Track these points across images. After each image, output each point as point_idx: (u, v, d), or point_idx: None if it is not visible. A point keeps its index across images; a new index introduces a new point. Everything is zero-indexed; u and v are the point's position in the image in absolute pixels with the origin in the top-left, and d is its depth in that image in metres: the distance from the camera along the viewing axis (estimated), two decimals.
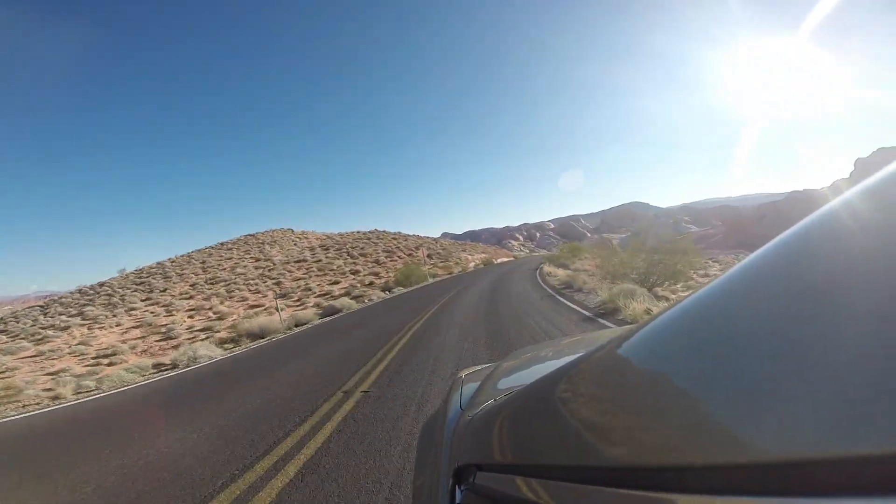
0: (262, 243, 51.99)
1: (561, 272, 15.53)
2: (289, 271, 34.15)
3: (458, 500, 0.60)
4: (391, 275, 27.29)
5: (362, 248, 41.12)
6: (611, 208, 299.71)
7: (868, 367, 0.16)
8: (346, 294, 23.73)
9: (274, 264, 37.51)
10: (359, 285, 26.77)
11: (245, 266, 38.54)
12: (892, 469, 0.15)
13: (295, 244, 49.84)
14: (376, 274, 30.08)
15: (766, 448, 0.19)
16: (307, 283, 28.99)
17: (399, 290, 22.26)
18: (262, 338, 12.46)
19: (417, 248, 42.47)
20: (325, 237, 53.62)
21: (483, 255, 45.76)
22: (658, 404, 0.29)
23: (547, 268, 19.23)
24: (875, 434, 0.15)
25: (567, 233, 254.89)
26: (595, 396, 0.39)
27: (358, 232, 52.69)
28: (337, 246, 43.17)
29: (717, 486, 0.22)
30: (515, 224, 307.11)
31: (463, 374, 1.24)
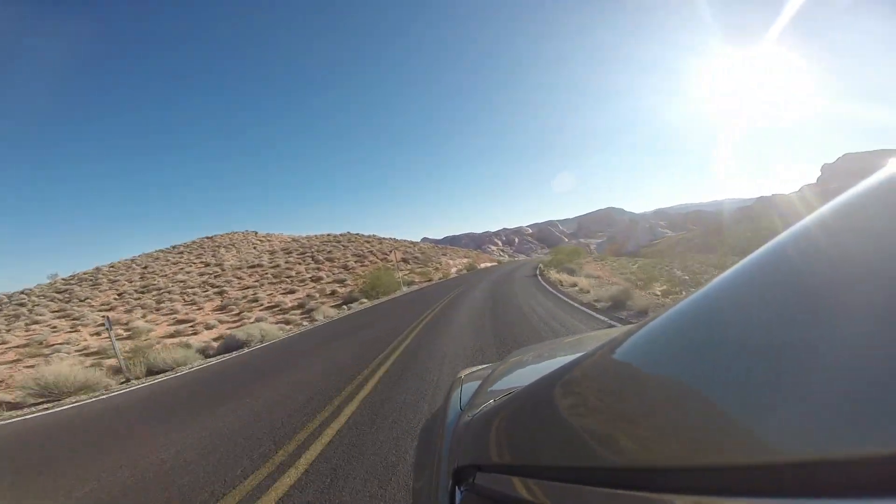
0: (219, 246, 46.14)
1: (582, 281, 11.35)
2: (238, 278, 28.94)
3: (457, 501, 0.59)
4: (360, 282, 22.69)
5: (329, 252, 36.21)
6: (587, 213, 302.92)
7: (867, 368, 0.16)
8: (300, 307, 19.01)
9: (223, 270, 32.09)
10: (318, 295, 22.06)
11: (188, 272, 32.91)
12: (891, 470, 0.15)
13: (255, 247, 44.28)
14: (341, 281, 25.44)
15: (763, 449, 0.19)
16: (256, 293, 23.99)
17: (361, 304, 17.69)
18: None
19: (392, 252, 37.93)
20: (290, 240, 48.21)
21: (465, 259, 41.66)
22: (655, 406, 0.29)
23: (555, 274, 14.79)
24: (875, 435, 0.15)
25: (545, 238, 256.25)
26: (593, 397, 0.39)
27: (328, 234, 47.51)
28: (301, 249, 38.05)
29: (713, 487, 0.22)
30: (495, 229, 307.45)
31: (462, 374, 1.23)
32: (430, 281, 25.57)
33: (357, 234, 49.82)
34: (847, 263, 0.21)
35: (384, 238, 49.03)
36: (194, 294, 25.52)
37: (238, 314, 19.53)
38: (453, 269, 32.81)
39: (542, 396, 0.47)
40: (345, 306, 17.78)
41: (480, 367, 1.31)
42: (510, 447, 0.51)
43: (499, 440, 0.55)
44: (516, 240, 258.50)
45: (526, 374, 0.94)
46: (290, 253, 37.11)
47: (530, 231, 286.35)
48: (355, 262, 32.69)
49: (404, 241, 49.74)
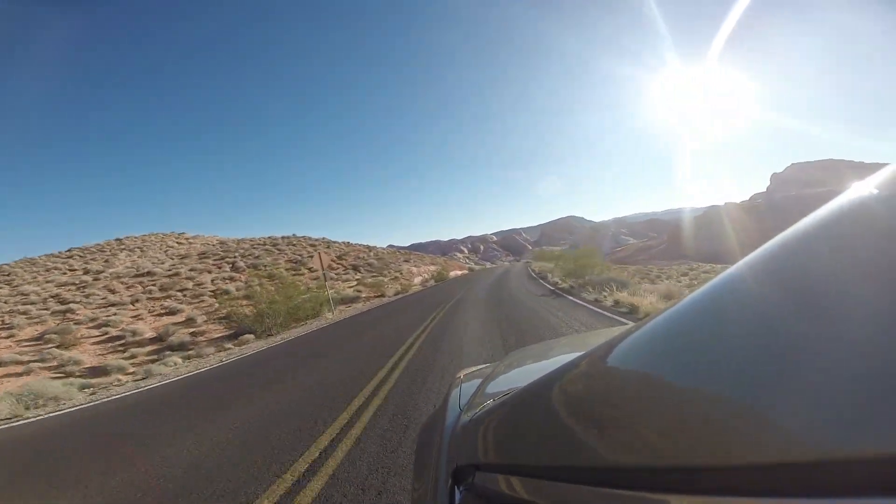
0: (124, 249, 36.14)
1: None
2: (112, 290, 20.18)
3: (456, 501, 0.59)
4: (263, 299, 15.06)
5: (257, 257, 27.94)
6: (549, 222, 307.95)
7: (866, 368, 0.16)
8: (158, 341, 11.23)
9: (97, 279, 23.03)
10: (203, 319, 14.24)
11: (43, 284, 23.45)
12: (889, 470, 0.14)
13: (167, 251, 34.79)
14: (249, 298, 17.60)
15: (759, 450, 0.19)
16: (117, 313, 15.69)
17: (243, 348, 10.18)
18: None
19: (341, 258, 30.18)
20: (217, 242, 38.90)
21: (432, 266, 34.48)
22: (654, 406, 0.28)
23: (601, 296, 7.89)
24: (874, 435, 0.15)
25: (509, 245, 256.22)
26: (591, 397, 0.39)
27: (267, 237, 38.74)
28: (222, 254, 29.35)
29: (709, 487, 0.22)
30: (461, 237, 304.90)
31: (462, 374, 1.23)
32: (381, 296, 18.33)
33: (303, 236, 41.42)
34: (846, 262, 0.20)
35: (334, 241, 41.02)
36: (24, 313, 16.67)
37: (57, 346, 11.31)
38: (417, 280, 25.58)
39: (541, 396, 0.47)
40: (229, 345, 10.22)
41: (480, 366, 1.30)
42: (509, 447, 0.51)
43: (497, 440, 0.55)
44: (482, 247, 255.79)
45: (525, 373, 0.93)
46: (207, 258, 28.42)
47: (495, 239, 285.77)
48: (288, 269, 24.81)
49: (358, 245, 41.87)
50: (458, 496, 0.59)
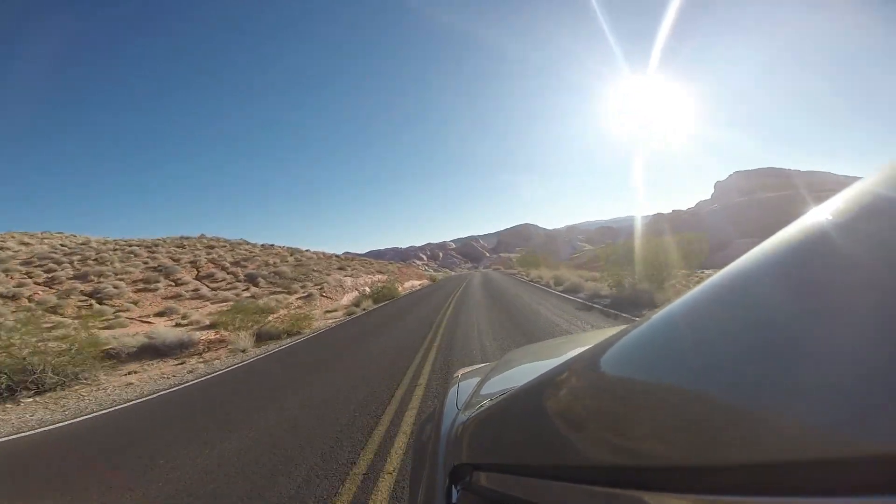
0: None
1: None
2: None
3: (454, 500, 0.59)
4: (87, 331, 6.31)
5: (103, 262, 18.41)
6: (506, 229, 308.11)
7: (863, 367, 0.16)
8: None
9: None
10: None
11: None
12: (887, 469, 0.14)
13: None
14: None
15: (756, 448, 0.19)
16: None
17: None
18: None
19: (238, 264, 21.28)
20: (76, 245, 27.97)
21: (379, 275, 26.28)
22: (651, 405, 0.28)
23: None
24: (872, 433, 0.14)
25: (468, 252, 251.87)
26: (587, 397, 0.39)
27: (158, 238, 28.54)
28: (59, 259, 19.36)
29: (705, 486, 0.22)
30: (420, 244, 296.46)
31: (459, 373, 1.22)
32: (221, 343, 9.30)
33: (214, 237, 31.56)
34: (845, 262, 0.20)
35: (253, 243, 31.64)
36: None
37: None
38: (346, 299, 17.41)
39: (538, 396, 0.47)
40: None
41: (477, 366, 1.28)
42: (506, 446, 0.50)
43: (494, 439, 0.55)
44: (441, 254, 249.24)
45: (522, 373, 0.90)
46: (30, 264, 18.39)
47: (454, 246, 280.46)
48: (148, 283, 15.78)
49: (281, 248, 32.66)
50: (455, 495, 0.59)
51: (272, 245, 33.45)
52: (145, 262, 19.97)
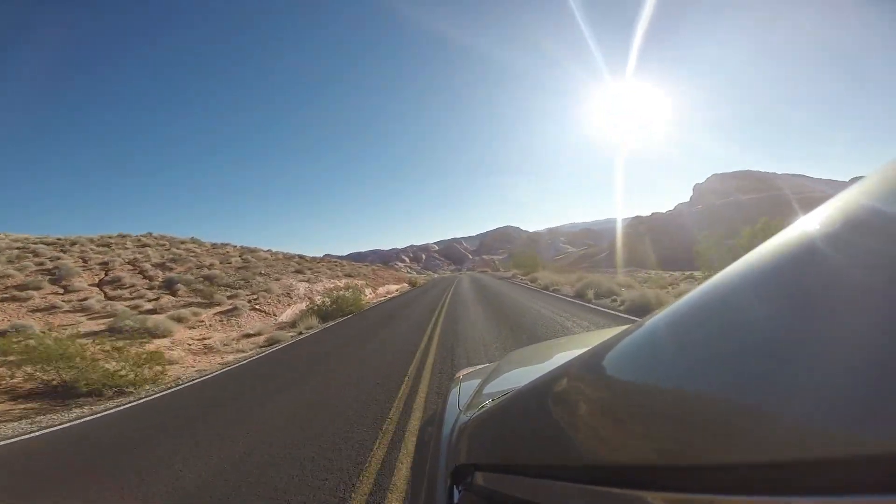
0: None
1: None
2: None
3: (455, 500, 0.59)
4: None
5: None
6: (488, 231, 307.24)
7: (864, 367, 0.16)
8: None
9: None
10: None
11: None
12: (888, 469, 0.14)
13: None
14: None
15: (756, 448, 0.19)
16: None
17: None
18: None
19: (177, 262, 17.02)
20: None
21: (348, 279, 22.27)
22: (651, 405, 0.28)
23: None
24: (874, 433, 0.14)
25: (451, 254, 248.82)
26: (589, 397, 0.39)
27: (79, 236, 23.72)
28: None
29: (705, 485, 0.22)
30: (402, 246, 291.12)
31: (461, 374, 1.22)
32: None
33: (160, 235, 26.88)
34: (843, 261, 0.20)
35: (206, 242, 27.17)
36: None
37: None
38: (288, 312, 13.13)
39: (539, 396, 0.47)
40: None
41: (479, 367, 1.28)
42: (507, 447, 0.51)
43: (496, 440, 0.55)
44: (423, 256, 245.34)
45: (523, 374, 0.92)
46: None
47: (437, 248, 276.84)
48: (19, 289, 11.56)
49: (233, 247, 28.18)
50: (456, 495, 0.58)
51: (225, 244, 29.02)
52: (40, 265, 15.52)
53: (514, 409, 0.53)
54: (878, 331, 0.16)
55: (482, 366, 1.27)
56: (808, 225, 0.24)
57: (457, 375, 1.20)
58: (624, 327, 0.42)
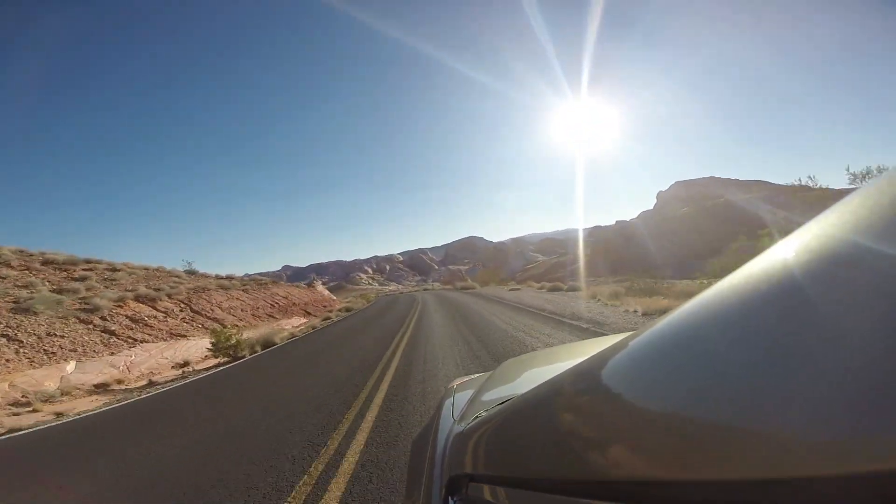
0: None
1: None
2: None
3: None
4: None
5: None
6: (453, 242, 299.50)
7: (861, 382, 0.15)
8: None
9: None
10: None
11: None
12: (886, 486, 0.14)
13: None
14: None
15: (756, 464, 0.18)
16: None
17: None
18: None
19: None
20: None
21: (213, 321, 12.09)
22: (648, 419, 0.27)
23: None
24: (873, 450, 0.14)
25: (416, 265, 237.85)
26: (584, 409, 0.37)
27: None
28: None
29: (709, 501, 0.21)
30: (365, 257, 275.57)
31: (455, 383, 1.20)
32: None
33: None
34: (842, 275, 0.19)
35: (49, 252, 15.58)
36: None
37: None
38: None
39: (534, 407, 0.45)
40: None
41: (473, 376, 1.26)
42: (502, 458, 0.49)
43: (490, 451, 0.54)
44: (387, 267, 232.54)
45: (518, 384, 0.89)
46: None
47: (401, 259, 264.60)
48: None
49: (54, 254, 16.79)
50: None
51: (43, 253, 17.19)
52: None
53: (509, 419, 0.51)
54: (876, 348, 0.15)
55: (476, 375, 1.24)
56: (802, 241, 0.23)
57: (451, 385, 1.18)
58: (620, 338, 0.40)
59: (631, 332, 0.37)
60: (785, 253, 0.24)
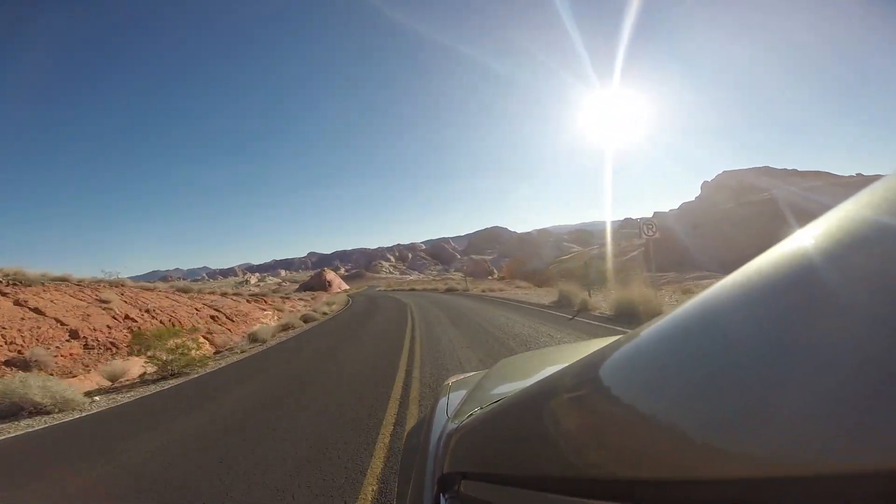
0: None
1: None
2: None
3: None
4: None
5: None
6: (477, 231, 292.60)
7: (863, 384, 0.15)
8: None
9: None
10: None
11: None
12: (884, 485, 0.14)
13: None
14: None
15: (753, 464, 0.18)
16: None
17: None
18: None
19: None
20: None
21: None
22: (642, 418, 0.27)
23: None
24: (871, 449, 0.14)
25: (438, 254, 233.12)
26: (580, 408, 0.37)
27: None
28: None
29: (700, 500, 0.21)
30: (388, 244, 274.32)
31: (450, 381, 1.19)
32: None
33: None
34: (844, 271, 0.19)
35: None
36: None
37: None
38: None
39: (529, 406, 0.45)
40: None
41: (468, 374, 1.26)
42: (495, 456, 0.49)
43: (484, 449, 0.54)
44: (409, 256, 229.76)
45: (514, 382, 0.89)
46: None
47: (424, 247, 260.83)
48: None
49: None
50: (443, 503, 0.57)
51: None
52: None
53: (503, 418, 0.51)
54: (877, 349, 0.15)
55: (472, 373, 1.23)
56: (808, 237, 0.22)
57: (446, 383, 1.17)
58: (617, 337, 0.39)
59: (627, 333, 0.36)
60: (777, 255, 0.23)
